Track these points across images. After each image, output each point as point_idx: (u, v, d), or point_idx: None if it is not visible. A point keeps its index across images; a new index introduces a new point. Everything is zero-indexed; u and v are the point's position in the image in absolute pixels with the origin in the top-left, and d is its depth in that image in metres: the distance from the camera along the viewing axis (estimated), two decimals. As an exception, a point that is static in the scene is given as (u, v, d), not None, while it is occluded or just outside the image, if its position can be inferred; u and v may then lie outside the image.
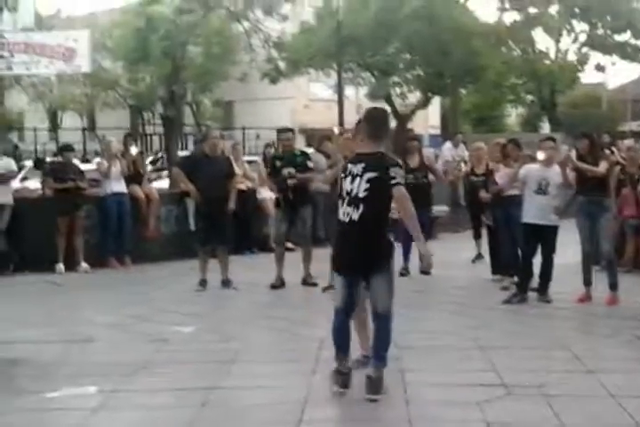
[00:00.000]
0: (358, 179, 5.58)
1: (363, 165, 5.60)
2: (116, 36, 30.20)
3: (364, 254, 5.62)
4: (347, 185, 5.65)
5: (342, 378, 5.71)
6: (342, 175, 5.72)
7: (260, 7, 21.31)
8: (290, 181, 9.87)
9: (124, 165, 11.71)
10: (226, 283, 9.95)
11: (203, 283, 9.90)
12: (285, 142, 10.17)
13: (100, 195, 11.60)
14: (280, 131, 10.53)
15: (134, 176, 11.94)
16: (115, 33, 30.49)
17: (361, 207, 5.56)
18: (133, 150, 11.98)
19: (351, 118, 26.16)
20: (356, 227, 5.59)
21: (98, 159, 12.15)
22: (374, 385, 5.60)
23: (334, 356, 5.80)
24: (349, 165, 5.70)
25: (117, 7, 31.90)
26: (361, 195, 5.56)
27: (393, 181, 5.55)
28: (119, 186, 11.66)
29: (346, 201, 5.64)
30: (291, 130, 10.63)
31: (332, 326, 5.81)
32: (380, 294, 5.70)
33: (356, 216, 5.58)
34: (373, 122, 5.84)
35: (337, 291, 5.84)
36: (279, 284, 9.96)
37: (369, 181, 5.55)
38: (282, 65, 26.25)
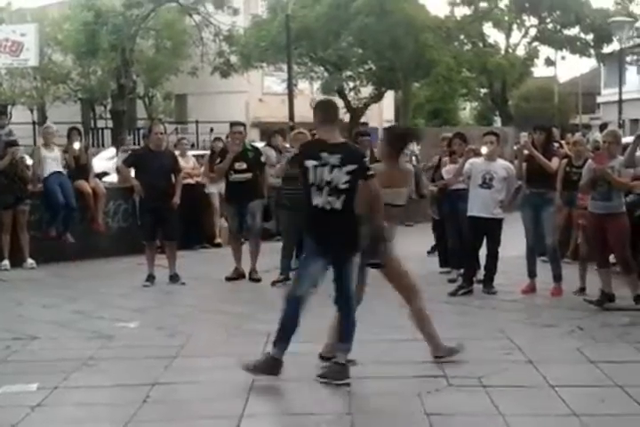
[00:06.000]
0: (337, 170, 5.72)
1: (340, 155, 5.74)
2: (65, 30, 29.87)
3: (345, 242, 5.81)
4: (325, 175, 5.74)
5: (278, 365, 5.78)
6: (315, 164, 5.76)
7: (211, 0, 21.16)
8: (239, 176, 9.87)
9: (68, 159, 11.57)
10: (173, 278, 9.89)
11: (150, 278, 9.82)
12: (237, 136, 10.11)
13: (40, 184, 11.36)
14: (232, 124, 10.47)
15: (80, 171, 11.79)
16: (65, 26, 30.16)
17: (342, 197, 5.73)
18: (77, 145, 11.76)
19: (304, 112, 26.22)
20: (339, 216, 5.76)
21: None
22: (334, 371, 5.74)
23: (275, 343, 5.84)
24: (324, 154, 5.75)
25: (67, 0, 31.52)
26: (342, 186, 5.73)
27: (369, 173, 5.79)
28: (57, 167, 11.38)
29: (325, 191, 5.74)
30: (242, 124, 10.62)
31: (286, 314, 5.84)
32: (350, 281, 5.87)
33: (338, 205, 5.74)
34: (322, 108, 6.09)
35: (303, 278, 5.88)
36: (236, 276, 9.99)
37: (350, 173, 5.73)
38: (233, 59, 26.14)
